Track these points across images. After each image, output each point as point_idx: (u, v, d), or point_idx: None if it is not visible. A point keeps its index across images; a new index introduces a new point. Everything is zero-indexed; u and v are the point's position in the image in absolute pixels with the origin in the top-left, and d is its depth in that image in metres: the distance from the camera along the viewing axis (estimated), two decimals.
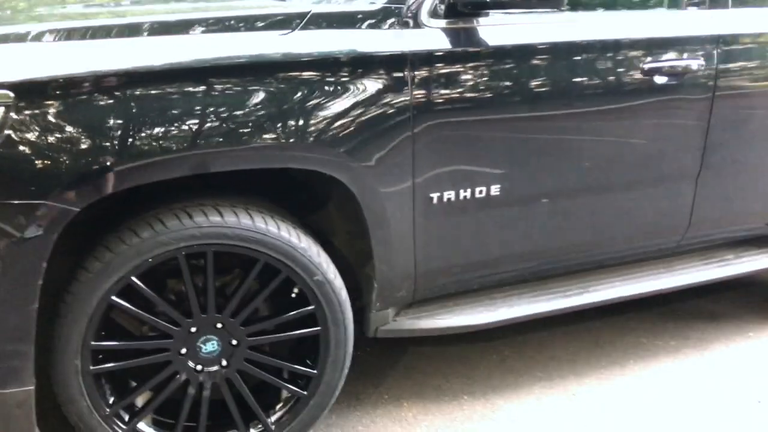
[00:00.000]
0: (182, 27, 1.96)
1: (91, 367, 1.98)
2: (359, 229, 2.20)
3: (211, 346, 2.10)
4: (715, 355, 3.04)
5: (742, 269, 2.94)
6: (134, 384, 2.12)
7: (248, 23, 2.01)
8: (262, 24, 2.02)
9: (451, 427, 2.48)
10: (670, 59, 2.49)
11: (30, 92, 1.73)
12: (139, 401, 2.12)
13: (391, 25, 2.11)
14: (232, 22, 2.01)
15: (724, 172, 2.73)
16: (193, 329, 2.07)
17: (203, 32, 1.96)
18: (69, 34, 1.89)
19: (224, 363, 2.13)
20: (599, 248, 2.68)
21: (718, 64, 2.55)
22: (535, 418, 2.55)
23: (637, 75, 2.45)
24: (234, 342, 2.11)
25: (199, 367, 2.11)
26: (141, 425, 2.09)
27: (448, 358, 2.90)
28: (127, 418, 2.09)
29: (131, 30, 1.93)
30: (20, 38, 1.86)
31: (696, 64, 2.52)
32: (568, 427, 2.52)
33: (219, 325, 2.09)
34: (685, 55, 2.53)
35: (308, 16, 2.04)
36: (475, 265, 2.44)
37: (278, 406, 2.22)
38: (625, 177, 2.57)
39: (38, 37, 1.86)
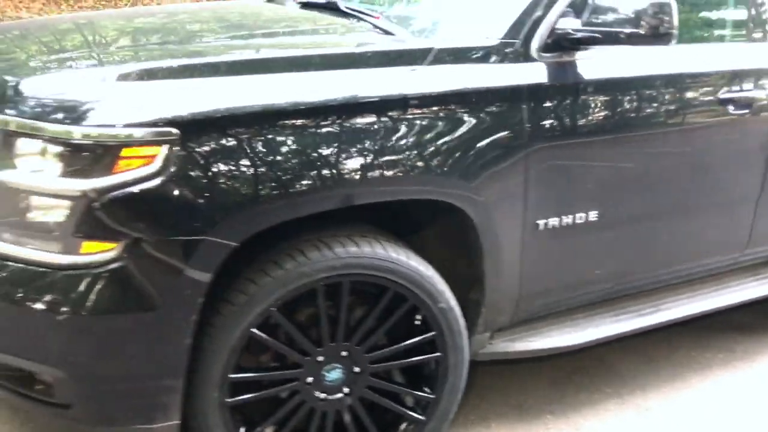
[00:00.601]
0: (322, 63, 2.00)
1: (228, 400, 1.99)
2: (461, 255, 2.26)
3: (335, 374, 2.13)
4: (763, 367, 3.19)
5: None
6: (258, 416, 2.12)
7: (382, 59, 2.06)
8: (392, 60, 2.07)
9: None
10: (741, 90, 2.64)
11: (197, 130, 1.75)
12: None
13: (507, 60, 2.19)
14: (369, 57, 2.05)
15: None
16: (320, 358, 2.10)
17: (341, 68, 2.00)
18: (214, 69, 1.91)
19: (346, 390, 2.16)
20: (672, 266, 2.80)
21: None
22: None
23: (714, 105, 2.59)
24: (357, 369, 2.15)
25: (323, 395, 2.13)
26: None
27: (520, 376, 2.96)
28: None
29: (274, 65, 1.96)
30: (172, 73, 1.87)
31: (764, 94, 2.67)
32: None
33: (344, 353, 2.12)
34: (753, 86, 2.68)
35: (433, 51, 2.10)
36: (569, 287, 2.53)
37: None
38: (698, 199, 2.70)
39: (189, 72, 1.88)
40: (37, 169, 1.77)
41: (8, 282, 1.79)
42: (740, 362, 3.21)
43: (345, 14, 2.58)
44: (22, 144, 1.77)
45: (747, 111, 2.66)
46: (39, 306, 1.76)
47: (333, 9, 2.64)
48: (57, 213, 1.75)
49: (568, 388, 2.93)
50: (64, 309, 1.75)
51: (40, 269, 1.77)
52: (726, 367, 3.17)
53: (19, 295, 1.78)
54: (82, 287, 1.75)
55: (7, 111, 1.80)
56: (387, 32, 2.32)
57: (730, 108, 2.62)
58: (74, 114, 1.74)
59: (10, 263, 1.79)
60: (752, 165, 2.78)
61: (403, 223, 2.25)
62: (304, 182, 1.84)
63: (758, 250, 3.01)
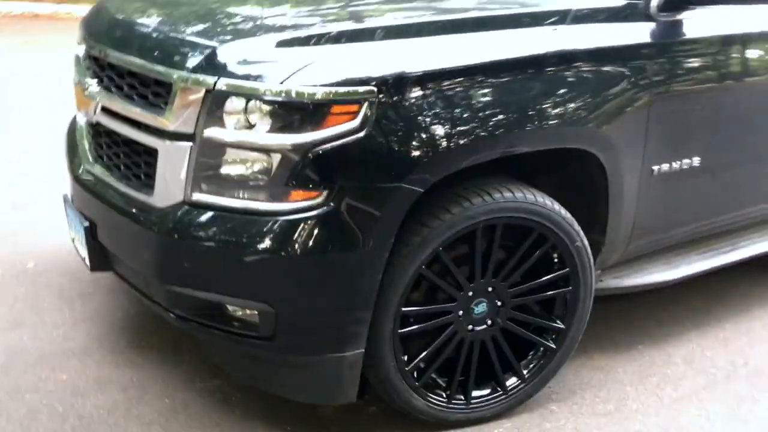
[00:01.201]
0: (486, 24, 2.20)
1: (400, 330, 2.23)
2: (584, 200, 2.49)
3: (482, 307, 2.37)
4: None
5: None
6: (414, 349, 2.36)
7: (529, 19, 2.26)
8: (539, 20, 2.27)
9: None
10: None
11: (390, 88, 1.95)
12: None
13: (634, 18, 2.40)
14: (523, 18, 2.25)
15: None
16: (470, 293, 2.34)
17: (500, 29, 2.20)
18: (399, 31, 2.10)
19: (489, 323, 2.40)
20: (750, 208, 3.06)
21: None
22: None
23: None
24: (500, 303, 2.39)
25: (470, 327, 2.38)
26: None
27: (608, 315, 3.22)
28: (415, 374, 2.34)
29: (448, 27, 2.15)
30: (361, 36, 2.06)
31: None
32: None
33: (490, 289, 2.36)
34: None
35: (571, 13, 2.30)
36: (670, 227, 2.79)
37: (530, 359, 2.51)
38: None
39: (374, 35, 2.07)
40: (247, 126, 1.96)
41: (227, 231, 2.00)
42: None
43: None
44: (234, 104, 1.95)
45: None
46: (255, 249, 1.97)
47: None
48: (270, 166, 1.95)
49: (649, 324, 3.20)
50: (276, 251, 1.97)
51: (255, 217, 1.97)
52: None
53: (238, 241, 1.99)
54: (291, 231, 1.96)
55: (215, 74, 1.97)
56: None
57: None
58: (283, 75, 1.92)
59: (229, 214, 1.99)
60: None
61: (533, 172, 2.48)
62: (478, 133, 2.06)
63: None
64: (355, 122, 1.92)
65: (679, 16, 2.49)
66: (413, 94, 1.98)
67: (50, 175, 4.07)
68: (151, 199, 2.15)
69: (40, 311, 3.08)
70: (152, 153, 2.13)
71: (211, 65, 2.00)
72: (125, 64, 2.24)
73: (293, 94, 1.90)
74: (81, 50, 2.60)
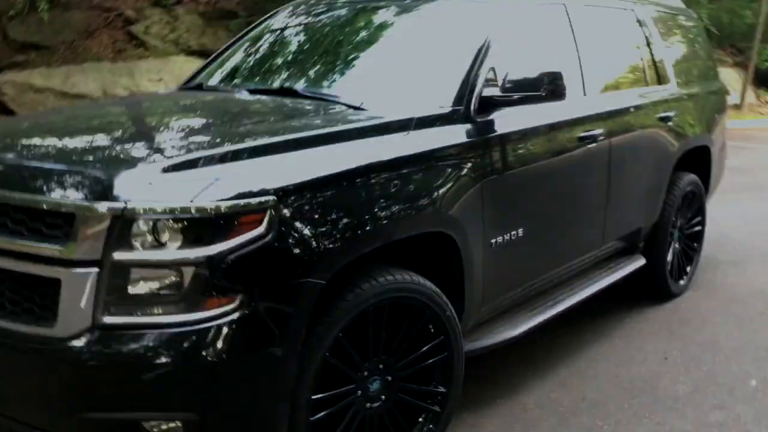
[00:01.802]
0: (356, 134, 2.55)
1: (311, 418, 2.39)
2: (445, 274, 2.87)
3: (376, 384, 2.61)
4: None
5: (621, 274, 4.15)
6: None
7: (379, 130, 2.65)
8: (391, 129, 2.67)
9: None
10: (593, 131, 3.61)
11: (287, 196, 2.19)
12: None
13: (459, 121, 2.89)
14: (380, 127, 2.63)
15: (621, 203, 3.94)
16: (365, 373, 2.57)
17: (367, 137, 2.56)
18: (286, 146, 2.37)
19: (384, 398, 2.64)
20: (566, 264, 3.67)
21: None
22: None
23: (574, 141, 3.52)
24: (389, 378, 2.65)
25: (368, 405, 2.60)
26: None
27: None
28: None
29: (325, 139, 2.46)
30: (259, 152, 2.31)
31: (600, 131, 3.67)
32: None
33: (380, 366, 2.62)
34: (595, 128, 3.67)
35: (414, 120, 2.74)
36: (510, 288, 3.27)
37: (421, 426, 2.76)
38: (587, 214, 3.61)
39: (262, 151, 2.31)
40: (156, 245, 2.08)
41: (145, 348, 2.06)
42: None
43: (301, 97, 3.12)
44: (142, 226, 2.07)
45: (593, 144, 3.64)
46: (175, 361, 2.06)
47: (288, 94, 3.16)
48: (182, 279, 2.07)
49: (498, 378, 3.62)
50: (197, 359, 2.07)
51: (172, 329, 2.07)
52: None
53: (156, 356, 2.05)
54: (210, 339, 2.08)
55: (120, 199, 2.08)
56: (358, 108, 2.90)
57: (586, 142, 3.58)
58: (191, 194, 2.08)
59: (145, 330, 2.06)
60: (600, 182, 3.78)
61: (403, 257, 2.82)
62: (364, 226, 2.37)
63: (610, 245, 4.03)
64: (261, 229, 2.13)
65: (491, 117, 3.04)
66: (307, 199, 2.25)
67: None
68: (53, 331, 2.14)
69: None
70: (51, 284, 2.14)
71: (114, 192, 2.10)
72: (8, 201, 2.24)
73: (203, 210, 2.07)
74: None
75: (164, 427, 2.15)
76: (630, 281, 4.31)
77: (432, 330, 2.74)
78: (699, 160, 4.85)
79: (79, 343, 2.09)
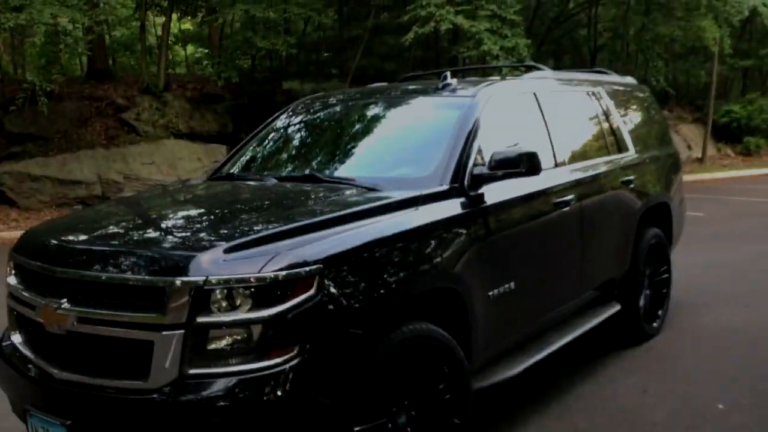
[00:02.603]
0: (378, 211, 3.14)
1: None
2: (452, 325, 3.43)
3: (402, 418, 3.12)
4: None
5: (600, 318, 4.73)
6: None
7: (395, 207, 3.25)
8: (403, 205, 3.27)
9: None
10: (565, 197, 4.26)
11: (331, 264, 2.76)
12: None
13: (457, 195, 3.51)
14: (393, 204, 3.24)
15: (594, 257, 4.56)
16: (394, 408, 3.08)
17: (386, 213, 3.16)
18: (324, 224, 2.96)
19: (409, 430, 3.15)
20: (554, 311, 4.25)
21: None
22: None
23: (551, 206, 4.16)
24: (413, 412, 3.16)
25: None
26: None
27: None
28: None
29: (354, 217, 3.06)
30: (307, 229, 2.90)
31: (570, 199, 4.31)
32: None
33: (405, 402, 3.14)
34: (568, 194, 4.31)
35: (422, 197, 3.35)
36: (508, 334, 3.82)
37: None
38: (565, 268, 4.21)
39: (315, 227, 2.92)
40: (231, 308, 2.63)
41: (223, 391, 2.59)
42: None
43: (322, 181, 3.72)
44: (218, 294, 2.63)
45: (567, 208, 4.27)
46: (245, 402, 2.58)
47: (310, 180, 3.77)
48: (251, 335, 2.62)
49: (504, 413, 4.14)
50: (265, 397, 2.59)
51: (244, 376, 2.60)
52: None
53: (234, 396, 2.58)
54: (275, 382, 2.61)
55: (201, 274, 2.64)
56: (372, 189, 3.51)
57: (561, 207, 4.21)
58: (258, 266, 2.65)
59: (221, 378, 2.60)
60: (574, 239, 4.40)
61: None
62: (390, 286, 2.94)
63: (587, 291, 4.63)
64: (311, 291, 2.69)
65: (481, 190, 3.66)
66: (346, 265, 2.82)
67: None
68: (146, 384, 2.65)
69: None
70: (145, 345, 2.67)
71: (195, 269, 2.65)
72: (106, 281, 2.78)
73: (268, 279, 2.63)
74: (16, 278, 3.12)
75: None
76: (610, 326, 4.89)
77: (446, 370, 3.28)
78: (661, 216, 5.53)
79: (169, 391, 2.61)
